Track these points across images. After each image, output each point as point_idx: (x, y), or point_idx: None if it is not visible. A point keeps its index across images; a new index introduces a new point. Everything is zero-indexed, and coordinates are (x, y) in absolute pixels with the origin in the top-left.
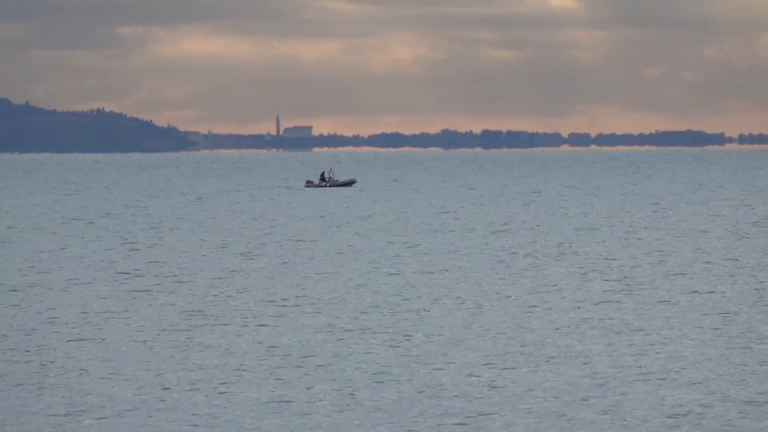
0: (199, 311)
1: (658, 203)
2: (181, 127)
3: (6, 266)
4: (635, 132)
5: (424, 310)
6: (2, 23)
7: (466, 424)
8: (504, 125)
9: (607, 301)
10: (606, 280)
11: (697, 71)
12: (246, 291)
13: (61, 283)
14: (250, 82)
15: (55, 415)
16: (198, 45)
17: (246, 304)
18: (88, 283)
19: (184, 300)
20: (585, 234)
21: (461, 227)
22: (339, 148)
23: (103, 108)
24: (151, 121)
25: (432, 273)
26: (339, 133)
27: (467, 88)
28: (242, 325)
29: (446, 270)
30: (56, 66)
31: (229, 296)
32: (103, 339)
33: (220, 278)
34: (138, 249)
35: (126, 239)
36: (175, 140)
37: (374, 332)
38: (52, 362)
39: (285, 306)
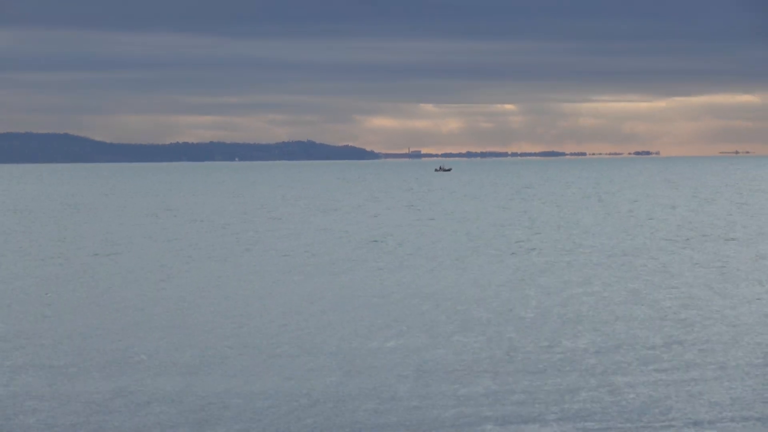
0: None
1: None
2: (376, 150)
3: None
4: (535, 151)
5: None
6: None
7: None
8: (480, 150)
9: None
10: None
11: (554, 129)
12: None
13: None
14: (399, 134)
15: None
16: (380, 123)
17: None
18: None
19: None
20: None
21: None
22: (430, 158)
23: (348, 144)
24: (363, 147)
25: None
26: (430, 152)
27: (472, 136)
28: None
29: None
30: (329, 131)
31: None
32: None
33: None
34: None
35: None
36: (371, 156)
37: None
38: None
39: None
